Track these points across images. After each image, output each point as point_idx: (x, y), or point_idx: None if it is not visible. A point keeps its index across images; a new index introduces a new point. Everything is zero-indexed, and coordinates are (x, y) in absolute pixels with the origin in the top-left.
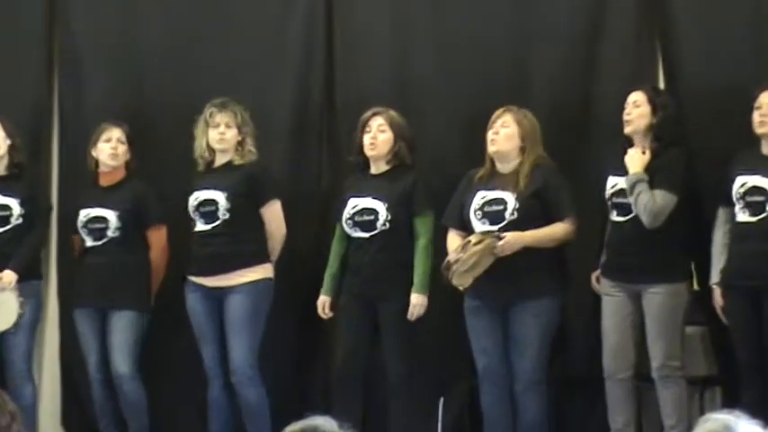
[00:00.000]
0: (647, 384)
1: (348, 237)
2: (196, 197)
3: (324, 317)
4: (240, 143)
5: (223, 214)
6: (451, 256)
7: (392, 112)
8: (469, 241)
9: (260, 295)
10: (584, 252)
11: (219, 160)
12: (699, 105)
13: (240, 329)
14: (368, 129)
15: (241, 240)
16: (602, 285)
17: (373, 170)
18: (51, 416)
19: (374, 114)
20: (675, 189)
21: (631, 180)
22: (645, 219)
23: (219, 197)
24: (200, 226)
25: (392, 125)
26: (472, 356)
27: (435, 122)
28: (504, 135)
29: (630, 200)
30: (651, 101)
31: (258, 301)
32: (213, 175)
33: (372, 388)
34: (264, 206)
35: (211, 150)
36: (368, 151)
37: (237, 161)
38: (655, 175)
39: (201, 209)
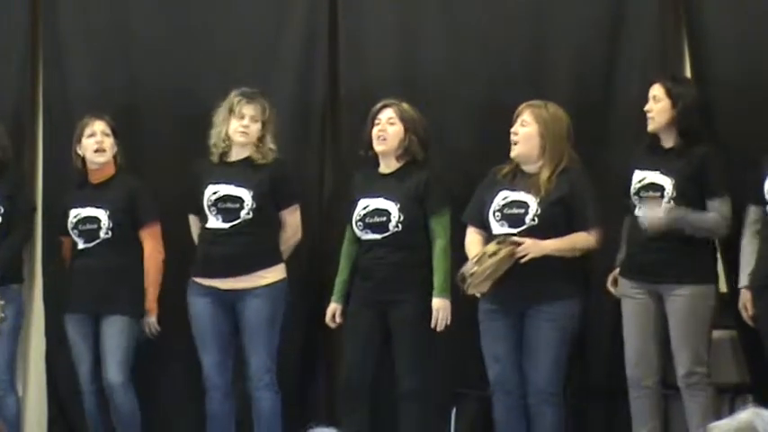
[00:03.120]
0: (673, 392)
1: (358, 239)
2: (215, 191)
3: (332, 325)
4: (260, 139)
5: (247, 213)
6: (466, 269)
7: (405, 105)
8: (485, 253)
9: (278, 298)
10: (604, 255)
11: (237, 154)
12: (728, 99)
13: (260, 334)
14: (377, 121)
15: (261, 241)
16: (622, 286)
17: (383, 168)
18: (38, 427)
19: (384, 106)
20: (728, 191)
21: (681, 224)
22: (722, 232)
23: (245, 195)
24: (217, 223)
25: (402, 118)
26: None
27: (447, 117)
28: (523, 136)
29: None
30: (670, 93)
31: (277, 304)
32: (233, 170)
33: (380, 398)
34: (287, 209)
35: (229, 141)
36: (376, 145)
37: (260, 159)
38: (694, 178)
39: (221, 205)
